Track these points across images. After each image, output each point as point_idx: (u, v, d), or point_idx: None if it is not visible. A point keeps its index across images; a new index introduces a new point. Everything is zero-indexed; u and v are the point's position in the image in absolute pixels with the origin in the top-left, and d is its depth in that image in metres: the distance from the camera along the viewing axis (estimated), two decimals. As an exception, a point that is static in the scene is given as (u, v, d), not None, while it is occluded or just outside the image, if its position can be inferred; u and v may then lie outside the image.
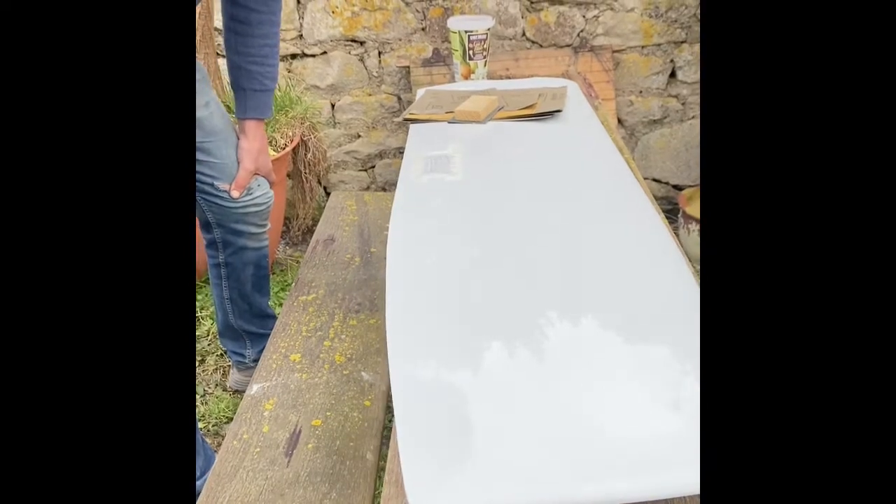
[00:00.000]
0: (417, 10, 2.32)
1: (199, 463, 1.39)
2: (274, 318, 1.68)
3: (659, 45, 2.38)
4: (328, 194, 2.57)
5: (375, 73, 2.43)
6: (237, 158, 1.43)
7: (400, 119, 1.65)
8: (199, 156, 1.39)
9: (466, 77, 1.71)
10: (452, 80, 1.94)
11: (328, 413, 1.19)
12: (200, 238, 1.60)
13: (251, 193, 1.48)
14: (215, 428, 1.80)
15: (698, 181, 2.55)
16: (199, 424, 1.75)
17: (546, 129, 1.24)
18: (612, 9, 2.27)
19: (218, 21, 2.24)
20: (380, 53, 2.40)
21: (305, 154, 2.43)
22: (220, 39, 2.31)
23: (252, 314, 1.67)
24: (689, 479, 0.63)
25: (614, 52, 2.30)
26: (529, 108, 1.32)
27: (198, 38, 1.82)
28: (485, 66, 1.79)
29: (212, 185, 1.43)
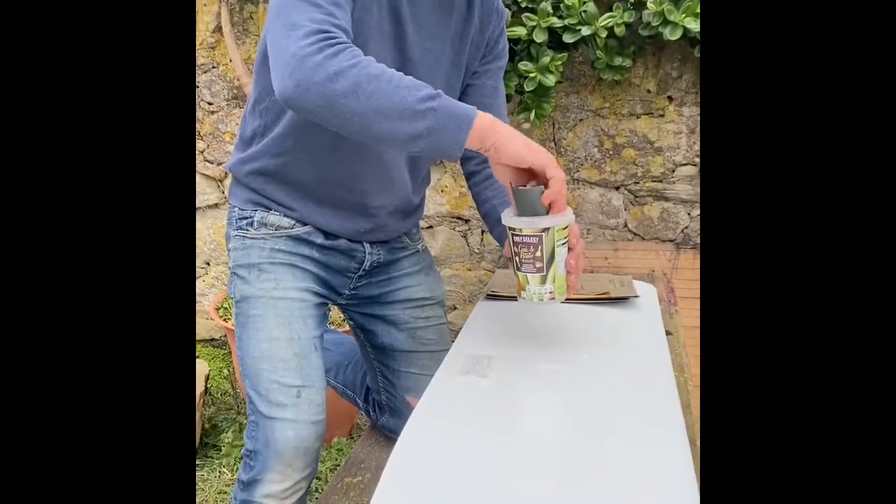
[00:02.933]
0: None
1: None
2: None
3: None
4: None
5: (477, 250, 2.42)
6: None
7: (483, 297, 1.38)
8: (402, 366, 1.34)
9: (518, 293, 1.06)
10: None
11: None
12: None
13: None
14: None
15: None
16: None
17: (607, 336, 1.13)
18: (716, 204, 2.19)
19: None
20: (482, 232, 2.39)
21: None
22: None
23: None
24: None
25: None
26: (604, 294, 1.28)
27: None
28: (543, 282, 1.02)
29: (403, 399, 1.36)
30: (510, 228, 1.01)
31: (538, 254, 1.00)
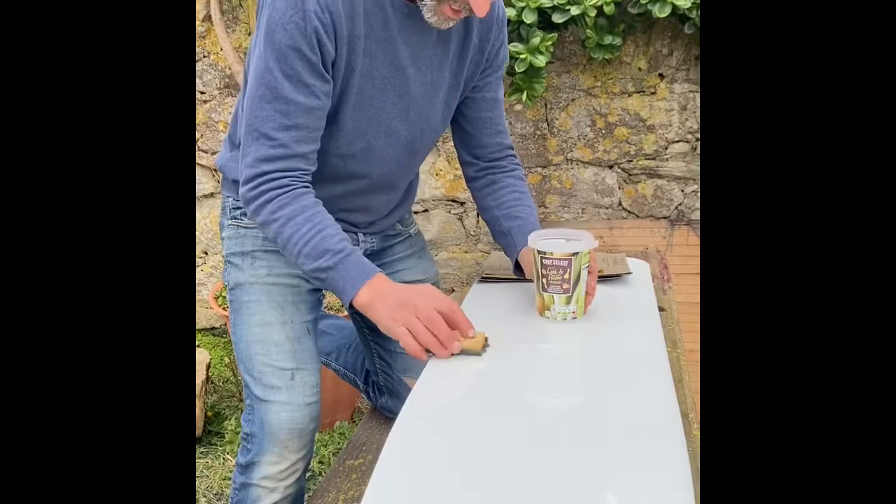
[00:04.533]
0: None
1: None
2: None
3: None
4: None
5: (473, 232, 2.43)
6: None
7: (477, 280, 1.36)
8: (397, 347, 1.29)
9: (542, 312, 1.12)
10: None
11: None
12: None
13: None
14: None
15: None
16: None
17: (598, 317, 1.14)
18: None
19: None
20: (478, 214, 2.39)
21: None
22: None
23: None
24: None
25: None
26: (598, 272, 1.29)
27: None
28: (568, 303, 1.10)
29: (401, 380, 1.36)
30: (539, 251, 1.07)
31: (566, 276, 1.07)
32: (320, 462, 1.95)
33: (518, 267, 1.25)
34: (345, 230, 1.23)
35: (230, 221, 1.22)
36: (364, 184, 1.18)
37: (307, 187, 1.06)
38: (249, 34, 2.30)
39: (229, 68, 2.30)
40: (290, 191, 1.03)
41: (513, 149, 1.32)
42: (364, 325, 1.39)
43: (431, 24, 1.03)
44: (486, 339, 1.00)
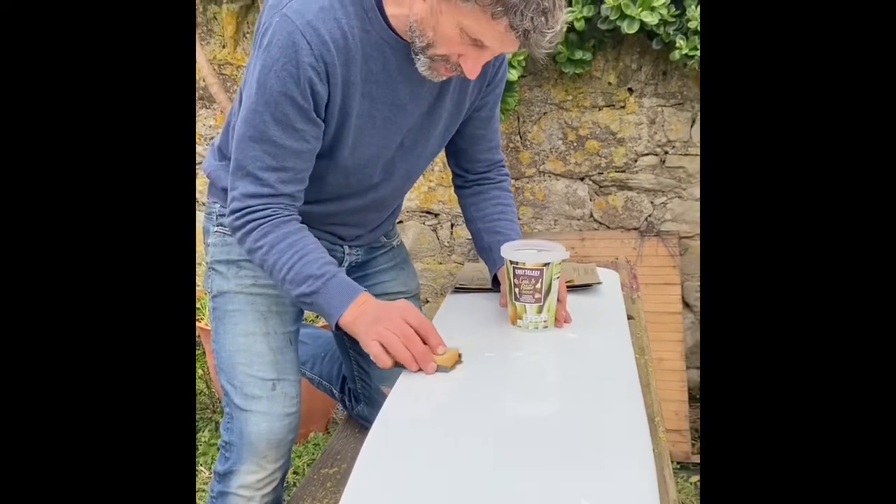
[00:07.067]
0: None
1: None
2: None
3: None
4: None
5: (447, 244, 2.46)
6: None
7: (451, 290, 1.39)
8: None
9: (514, 321, 1.14)
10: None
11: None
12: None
13: None
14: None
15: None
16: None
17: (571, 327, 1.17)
18: (679, 197, 2.27)
19: None
20: (452, 226, 2.44)
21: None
22: None
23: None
24: None
25: (682, 237, 2.28)
26: (569, 282, 1.32)
27: None
28: (540, 312, 1.12)
29: (378, 388, 1.37)
30: (512, 262, 1.10)
31: (538, 286, 1.10)
32: (294, 473, 1.94)
33: (496, 281, 1.27)
34: (332, 242, 1.25)
35: (216, 228, 1.22)
36: (357, 204, 1.20)
37: (291, 214, 1.07)
38: (224, 46, 2.30)
39: (203, 80, 2.30)
40: (273, 219, 1.05)
41: (503, 161, 1.34)
42: (345, 334, 1.41)
43: (426, 77, 1.04)
44: (458, 356, 1.01)
